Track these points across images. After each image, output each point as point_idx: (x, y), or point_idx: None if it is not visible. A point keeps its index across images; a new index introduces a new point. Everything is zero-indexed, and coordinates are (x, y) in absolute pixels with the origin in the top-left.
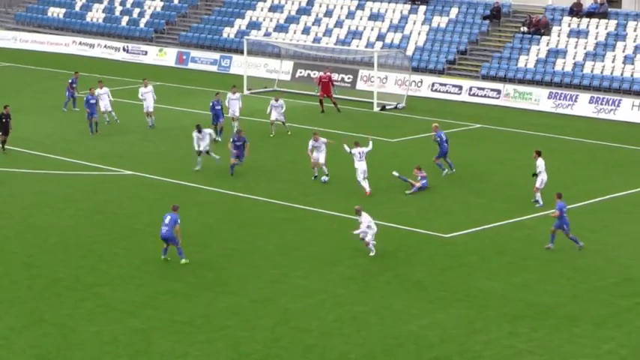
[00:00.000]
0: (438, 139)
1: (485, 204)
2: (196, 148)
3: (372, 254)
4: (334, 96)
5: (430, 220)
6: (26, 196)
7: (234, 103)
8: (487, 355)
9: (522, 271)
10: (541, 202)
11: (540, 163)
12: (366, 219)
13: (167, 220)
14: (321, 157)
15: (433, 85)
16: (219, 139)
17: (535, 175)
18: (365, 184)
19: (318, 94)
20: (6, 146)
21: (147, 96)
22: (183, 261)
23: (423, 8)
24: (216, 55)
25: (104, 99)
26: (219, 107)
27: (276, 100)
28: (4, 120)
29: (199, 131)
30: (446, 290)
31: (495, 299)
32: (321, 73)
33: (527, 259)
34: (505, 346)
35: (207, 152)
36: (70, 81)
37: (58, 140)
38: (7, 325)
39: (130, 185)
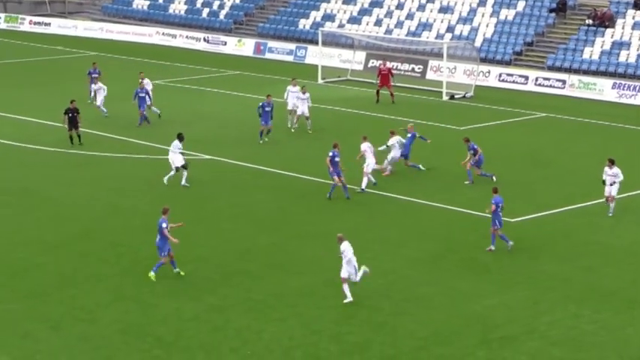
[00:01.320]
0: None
1: (551, 190)
2: (173, 164)
3: (346, 300)
4: (392, 85)
5: None
6: (111, 179)
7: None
8: (552, 335)
9: (585, 255)
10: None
11: (614, 171)
12: (346, 250)
13: (158, 228)
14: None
15: (500, 75)
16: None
17: (604, 183)
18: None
19: (377, 84)
20: (92, 130)
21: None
22: (176, 271)
23: (491, 1)
24: (292, 46)
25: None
26: (269, 109)
27: (304, 93)
28: (70, 115)
29: (180, 140)
30: (511, 272)
31: (559, 281)
32: (380, 66)
33: (590, 244)
34: (569, 327)
35: (185, 167)
36: (89, 72)
37: (141, 126)
38: (93, 301)
39: (208, 169)
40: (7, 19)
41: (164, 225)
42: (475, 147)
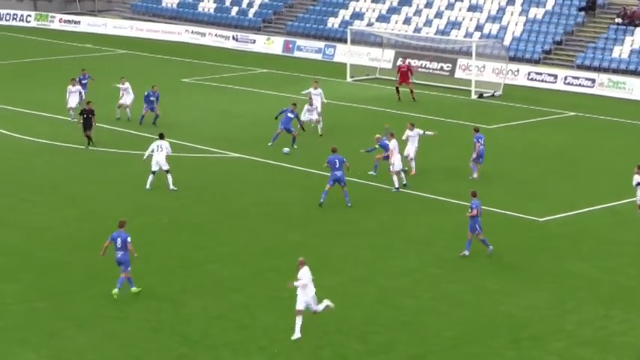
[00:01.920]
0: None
1: (579, 189)
2: (153, 167)
3: (294, 337)
4: (412, 82)
5: (525, 204)
6: (140, 177)
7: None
8: (580, 335)
9: (614, 255)
10: None
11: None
12: (303, 277)
13: (119, 242)
14: (412, 150)
15: (529, 74)
16: (287, 151)
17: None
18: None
19: (397, 81)
20: (121, 129)
21: (125, 92)
22: (133, 289)
23: (520, 0)
24: (320, 44)
25: (129, 94)
26: (292, 116)
27: (315, 88)
28: (85, 116)
29: (161, 137)
30: (539, 272)
31: (587, 281)
32: (400, 63)
33: (619, 244)
34: (598, 327)
35: (167, 172)
36: (79, 78)
37: (168, 124)
38: (123, 299)
39: (236, 167)
40: (37, 17)
41: (129, 240)
42: (480, 137)
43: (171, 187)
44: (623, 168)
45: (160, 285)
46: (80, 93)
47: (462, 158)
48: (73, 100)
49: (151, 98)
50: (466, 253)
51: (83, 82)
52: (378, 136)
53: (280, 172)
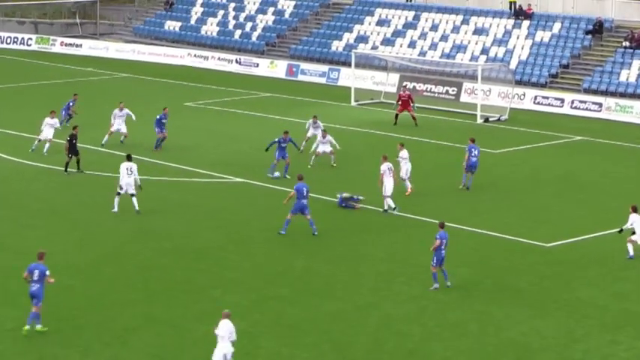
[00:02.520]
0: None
1: (586, 214)
2: (120, 189)
3: None
4: (413, 108)
5: (531, 229)
6: (141, 201)
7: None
8: None
9: (621, 280)
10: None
11: (634, 218)
12: (222, 329)
13: (36, 275)
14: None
15: (536, 98)
16: (281, 176)
17: (621, 231)
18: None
19: (397, 109)
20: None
21: (120, 120)
22: (39, 327)
23: (526, 23)
24: (324, 68)
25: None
26: (285, 145)
27: (324, 137)
28: (73, 141)
29: (129, 159)
30: (545, 299)
31: (595, 308)
32: (401, 92)
33: (627, 270)
34: (606, 355)
35: (133, 196)
36: (70, 103)
37: (171, 148)
38: (122, 325)
39: (240, 192)
40: (38, 41)
41: (48, 272)
42: (473, 148)
43: (137, 207)
44: (630, 193)
45: (161, 310)
46: (56, 128)
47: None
48: (48, 132)
49: (163, 121)
50: (436, 286)
51: (70, 105)
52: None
53: (284, 198)
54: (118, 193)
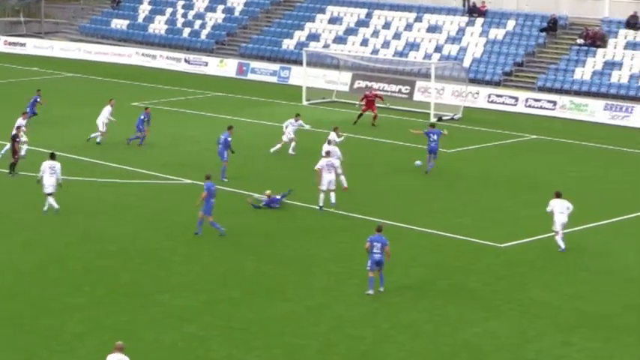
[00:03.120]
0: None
1: (540, 214)
2: (45, 189)
3: None
4: (377, 107)
5: (486, 229)
6: (87, 203)
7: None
8: None
9: (576, 281)
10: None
11: (553, 203)
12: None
13: None
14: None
15: (490, 96)
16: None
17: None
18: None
19: (361, 109)
20: (68, 154)
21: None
22: None
23: (480, 20)
24: (275, 67)
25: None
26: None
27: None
28: (14, 141)
29: (52, 157)
30: (499, 299)
31: (548, 309)
32: (367, 92)
33: (581, 270)
34: (559, 356)
35: (50, 194)
36: (33, 99)
37: (120, 149)
38: (69, 331)
39: (188, 194)
40: None
41: None
42: (432, 133)
43: (56, 206)
44: (584, 192)
45: (107, 315)
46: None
47: (419, 184)
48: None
49: (143, 118)
50: (369, 292)
51: (35, 101)
52: None
53: (233, 199)
54: (48, 194)
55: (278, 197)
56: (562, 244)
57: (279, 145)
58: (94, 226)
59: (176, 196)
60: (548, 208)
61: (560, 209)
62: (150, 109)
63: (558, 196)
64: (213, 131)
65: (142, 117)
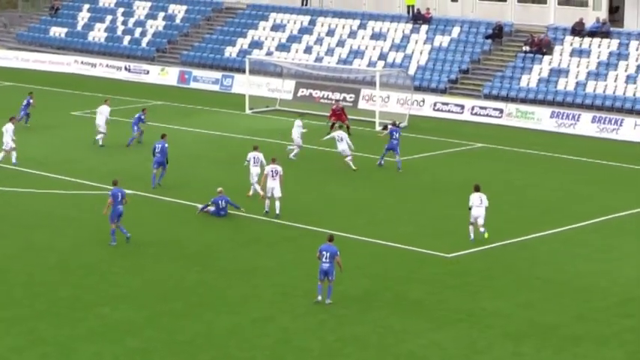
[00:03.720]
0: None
1: (488, 223)
2: None
3: None
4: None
5: (431, 239)
6: (27, 215)
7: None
8: None
9: (526, 290)
10: (472, 237)
11: (472, 197)
12: None
13: None
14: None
15: (435, 104)
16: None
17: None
18: (257, 187)
19: (329, 123)
20: (4, 165)
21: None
22: None
23: (425, 27)
24: (218, 75)
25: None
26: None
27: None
28: None
29: None
30: (447, 310)
31: (499, 318)
32: (333, 106)
33: (531, 279)
34: None
35: None
36: (25, 102)
37: (57, 160)
38: (7, 345)
39: (131, 204)
40: None
41: None
42: (394, 131)
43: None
44: (533, 200)
45: (46, 329)
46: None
47: (364, 194)
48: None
49: (142, 117)
50: (318, 299)
51: (30, 101)
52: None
53: (173, 208)
54: None
55: (227, 198)
56: (472, 235)
57: (297, 150)
58: (34, 238)
59: None
60: (469, 203)
61: (476, 203)
62: (147, 110)
63: (477, 189)
64: (154, 141)
65: (138, 116)
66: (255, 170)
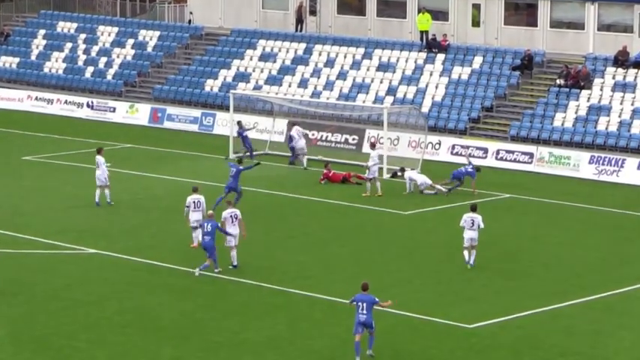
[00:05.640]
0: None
1: (516, 288)
2: None
3: None
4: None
5: (450, 307)
6: None
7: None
8: None
9: None
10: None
11: (465, 216)
12: None
13: None
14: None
15: (454, 147)
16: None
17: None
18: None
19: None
20: None
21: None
22: None
23: (441, 57)
24: (197, 113)
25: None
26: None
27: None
28: None
29: None
30: None
31: None
32: (325, 170)
33: (566, 355)
34: None
35: None
36: None
37: (6, 214)
38: None
39: (93, 266)
40: None
41: None
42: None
43: None
44: (568, 261)
45: None
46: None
47: (371, 250)
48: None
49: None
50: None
51: None
52: None
53: (146, 271)
54: None
55: (216, 223)
56: (467, 258)
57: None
58: None
59: (77, 268)
60: (461, 222)
61: (468, 225)
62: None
63: (473, 209)
64: (121, 190)
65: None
66: (194, 216)
